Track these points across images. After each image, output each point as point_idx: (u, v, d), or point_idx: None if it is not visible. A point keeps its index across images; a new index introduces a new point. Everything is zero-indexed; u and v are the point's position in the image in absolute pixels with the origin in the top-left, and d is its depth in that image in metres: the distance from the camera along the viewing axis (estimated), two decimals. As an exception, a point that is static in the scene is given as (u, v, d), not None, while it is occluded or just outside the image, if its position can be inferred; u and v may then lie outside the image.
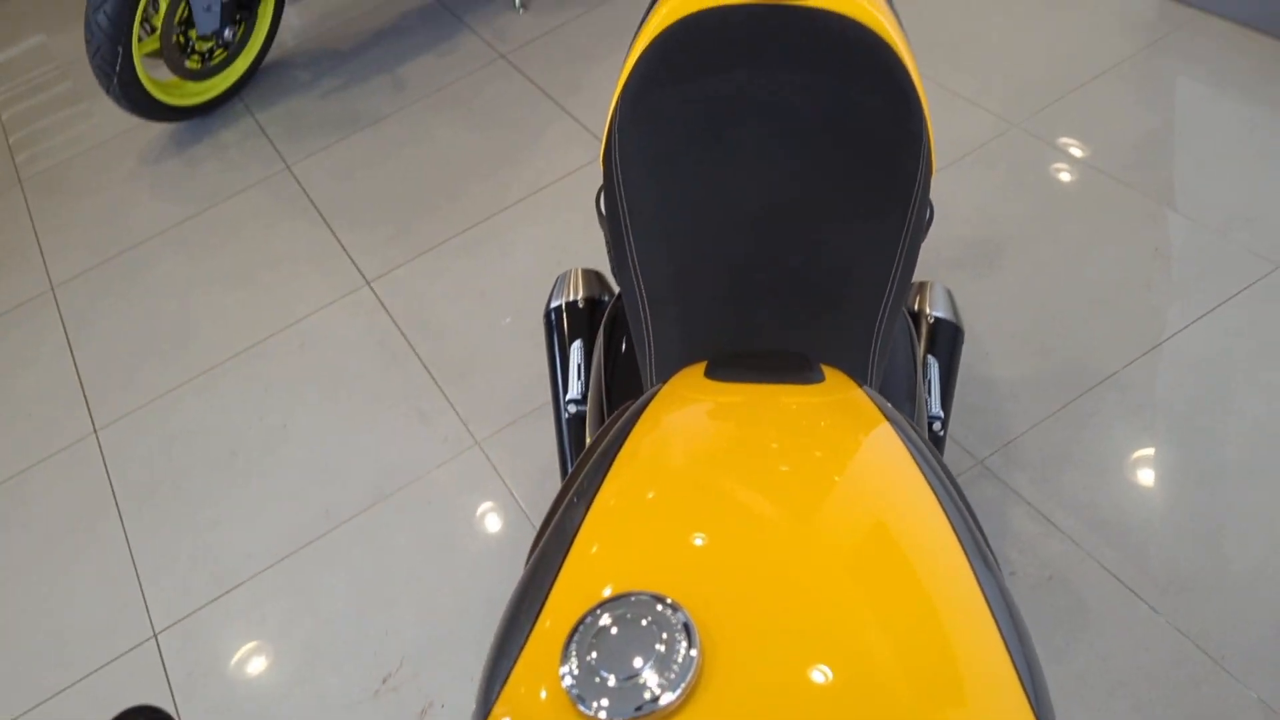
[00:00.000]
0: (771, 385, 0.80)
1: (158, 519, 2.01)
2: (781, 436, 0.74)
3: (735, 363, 0.84)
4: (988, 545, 0.73)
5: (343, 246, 2.47)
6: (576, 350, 1.35)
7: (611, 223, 1.06)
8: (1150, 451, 1.69)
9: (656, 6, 1.18)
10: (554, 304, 1.41)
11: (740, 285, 0.94)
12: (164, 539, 1.97)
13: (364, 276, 2.38)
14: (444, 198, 2.53)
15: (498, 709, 0.62)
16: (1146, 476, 1.66)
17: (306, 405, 2.14)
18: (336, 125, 2.85)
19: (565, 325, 1.38)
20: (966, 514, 0.73)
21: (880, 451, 0.74)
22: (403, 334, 2.23)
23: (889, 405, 0.80)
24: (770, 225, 0.97)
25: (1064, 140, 2.22)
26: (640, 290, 0.98)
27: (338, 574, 1.84)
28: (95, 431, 2.21)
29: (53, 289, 2.60)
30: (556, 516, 0.75)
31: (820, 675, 0.58)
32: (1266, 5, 2.27)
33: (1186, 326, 1.83)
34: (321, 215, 2.58)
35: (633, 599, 0.58)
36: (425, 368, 2.14)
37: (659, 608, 0.57)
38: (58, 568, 1.97)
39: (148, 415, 2.21)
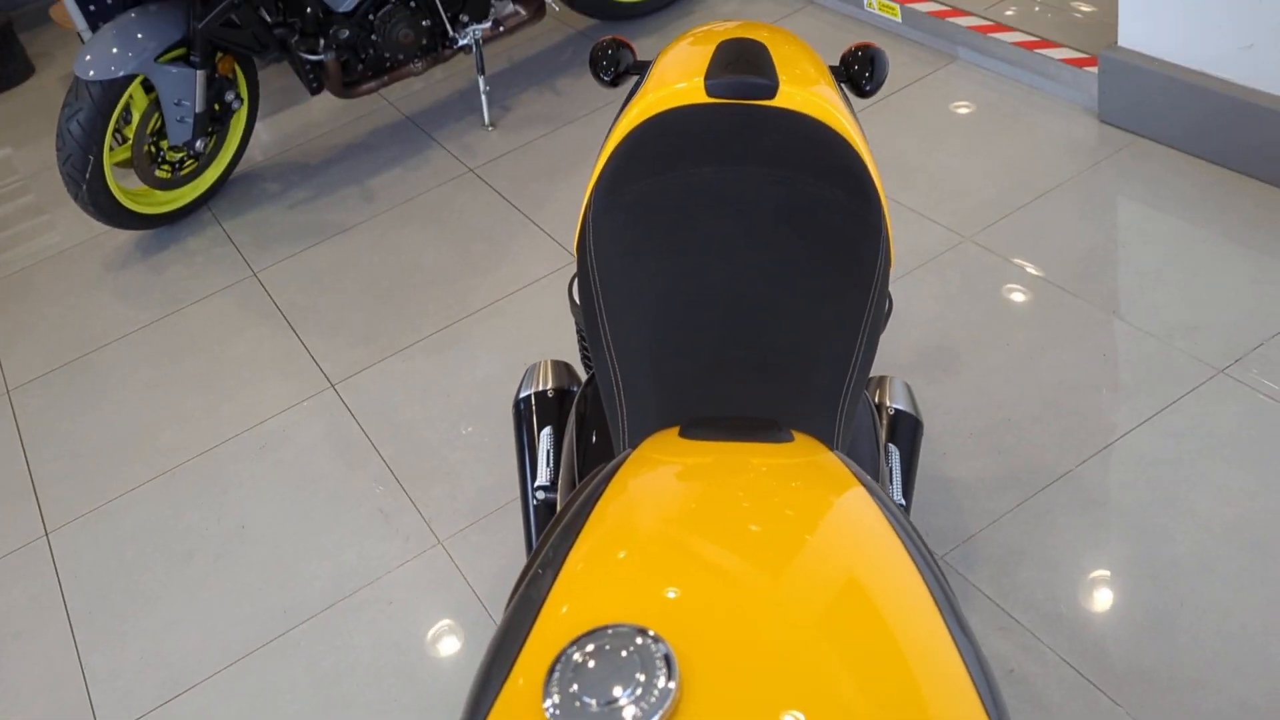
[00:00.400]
0: (742, 444, 0.82)
1: (108, 620, 1.96)
2: (754, 494, 0.76)
3: (706, 424, 0.86)
4: (955, 598, 0.75)
5: (308, 350, 2.49)
6: (546, 438, 1.37)
7: (585, 306, 1.10)
8: (1104, 548, 1.72)
9: (630, 105, 1.24)
10: (523, 394, 1.43)
11: (711, 361, 0.97)
12: (113, 641, 1.92)
13: (328, 380, 2.39)
14: (410, 304, 2.56)
15: None
16: (1101, 572, 1.69)
17: (266, 506, 2.12)
18: (304, 234, 2.89)
19: (535, 414, 1.40)
20: (936, 568, 0.75)
21: (852, 508, 0.76)
22: (366, 435, 2.23)
23: (857, 466, 0.83)
24: (738, 308, 1.01)
25: (1013, 253, 2.31)
26: (614, 366, 1.01)
27: (294, 676, 1.80)
28: (46, 534, 2.17)
29: (8, 392, 2.58)
30: (527, 579, 0.76)
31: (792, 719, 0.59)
32: (1197, 131, 2.41)
33: (1135, 427, 1.89)
34: (287, 320, 2.60)
35: (610, 631, 0.59)
36: (388, 468, 2.14)
37: (639, 639, 0.59)
38: (1, 670, 1.91)
39: (101, 517, 2.18)
